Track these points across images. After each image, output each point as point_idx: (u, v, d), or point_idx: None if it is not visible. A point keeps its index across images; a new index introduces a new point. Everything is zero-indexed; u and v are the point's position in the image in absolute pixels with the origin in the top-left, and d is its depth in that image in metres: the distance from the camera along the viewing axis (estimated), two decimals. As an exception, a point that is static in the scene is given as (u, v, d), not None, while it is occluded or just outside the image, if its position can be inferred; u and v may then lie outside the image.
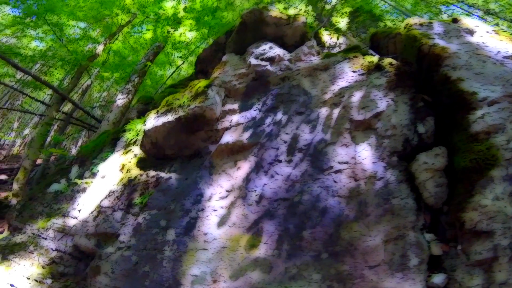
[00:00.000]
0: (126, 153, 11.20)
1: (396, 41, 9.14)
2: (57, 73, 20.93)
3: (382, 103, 7.18)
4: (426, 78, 6.78)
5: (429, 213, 5.80)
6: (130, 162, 10.81)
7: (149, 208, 8.47)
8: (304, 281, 5.52)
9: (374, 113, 7.11)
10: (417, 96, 6.95)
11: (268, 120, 8.50)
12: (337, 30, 13.11)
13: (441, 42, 6.71)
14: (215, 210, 7.72)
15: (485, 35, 6.87)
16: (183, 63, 23.53)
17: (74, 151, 20.89)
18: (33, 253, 8.38)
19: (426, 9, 19.47)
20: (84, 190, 11.10)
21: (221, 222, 7.46)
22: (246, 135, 8.56)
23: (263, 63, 9.29)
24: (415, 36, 7.19)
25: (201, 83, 9.54)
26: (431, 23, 7.54)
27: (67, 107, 24.52)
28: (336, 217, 6.15)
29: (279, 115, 8.43)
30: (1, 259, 7.83)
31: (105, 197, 9.48)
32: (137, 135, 11.43)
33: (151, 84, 22.35)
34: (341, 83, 8.19)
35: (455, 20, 7.56)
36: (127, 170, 10.19)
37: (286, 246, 6.29)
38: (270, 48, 9.61)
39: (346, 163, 7.07)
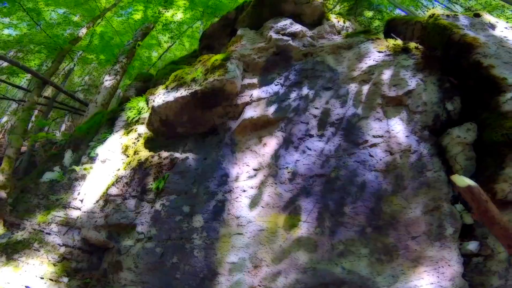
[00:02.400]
0: (128, 133, 9.68)
1: (415, 28, 8.82)
2: (34, 59, 18.52)
3: (412, 82, 6.89)
4: (453, 63, 6.75)
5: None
6: (135, 143, 9.32)
7: (167, 193, 7.23)
8: (354, 256, 5.20)
9: (405, 90, 6.76)
10: (444, 77, 6.85)
11: (294, 95, 7.56)
12: (342, 15, 12.25)
13: (470, 33, 6.70)
14: (244, 191, 6.66)
15: (505, 30, 7.01)
16: (172, 45, 21.53)
17: (58, 135, 18.63)
18: (39, 251, 6.93)
19: (411, 3, 19.89)
20: (83, 177, 9.53)
21: (253, 204, 6.42)
22: (271, 109, 7.47)
23: (285, 37, 8.41)
24: (444, 26, 7.07)
25: (218, 56, 8.21)
26: (457, 15, 7.54)
27: (47, 92, 21.81)
28: (375, 191, 5.77)
29: (305, 90, 7.57)
30: (7, 260, 6.37)
31: (112, 184, 8.03)
32: (140, 113, 9.88)
33: (139, 66, 20.21)
34: (369, 62, 7.80)
35: (477, 15, 7.62)
36: (135, 152, 8.74)
37: (328, 223, 5.73)
38: (291, 23, 8.66)
39: (381, 136, 6.62)
